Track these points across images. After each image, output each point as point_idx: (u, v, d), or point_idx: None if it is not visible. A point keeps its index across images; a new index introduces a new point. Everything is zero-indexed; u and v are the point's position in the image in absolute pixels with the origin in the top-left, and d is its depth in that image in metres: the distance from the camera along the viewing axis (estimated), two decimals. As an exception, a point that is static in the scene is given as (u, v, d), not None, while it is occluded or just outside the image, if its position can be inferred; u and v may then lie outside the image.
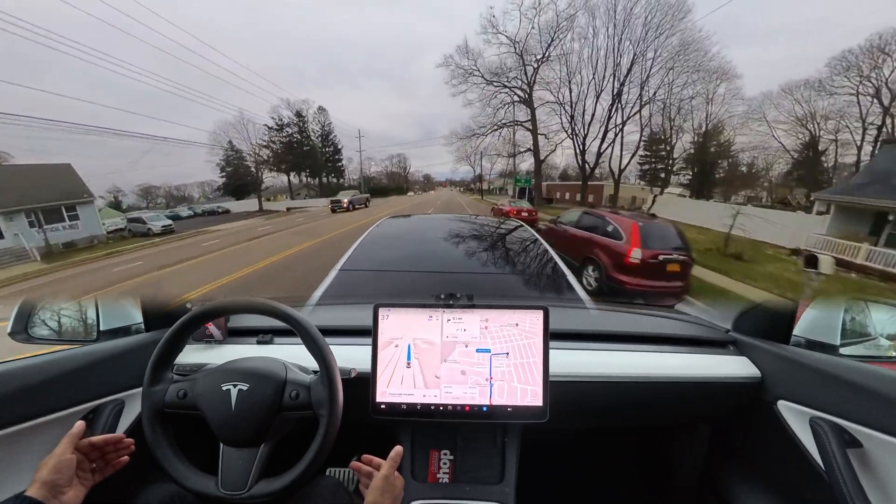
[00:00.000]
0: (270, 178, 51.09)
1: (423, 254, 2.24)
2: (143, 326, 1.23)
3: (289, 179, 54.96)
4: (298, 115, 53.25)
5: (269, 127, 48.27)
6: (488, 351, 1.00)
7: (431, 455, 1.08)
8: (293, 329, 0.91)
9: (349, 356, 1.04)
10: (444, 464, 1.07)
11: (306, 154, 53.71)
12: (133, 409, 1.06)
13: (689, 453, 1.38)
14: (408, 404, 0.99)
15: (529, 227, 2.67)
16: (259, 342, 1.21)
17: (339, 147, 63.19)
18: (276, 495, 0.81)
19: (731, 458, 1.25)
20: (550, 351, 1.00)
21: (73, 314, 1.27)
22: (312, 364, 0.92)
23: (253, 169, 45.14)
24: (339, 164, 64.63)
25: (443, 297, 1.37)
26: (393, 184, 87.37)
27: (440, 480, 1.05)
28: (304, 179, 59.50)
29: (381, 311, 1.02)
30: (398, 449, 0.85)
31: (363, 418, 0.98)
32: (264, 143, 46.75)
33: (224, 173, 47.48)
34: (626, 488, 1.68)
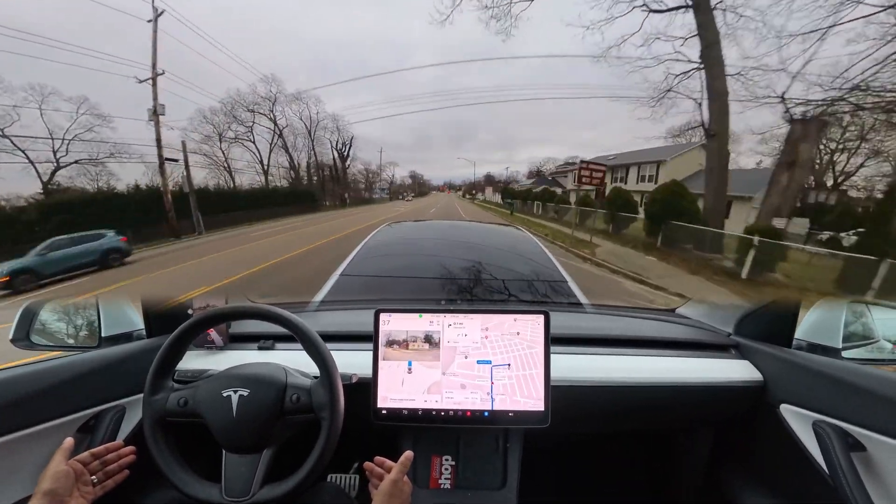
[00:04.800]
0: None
1: (424, 259, 2.24)
2: (144, 332, 1.24)
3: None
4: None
5: None
6: (489, 362, 1.00)
7: (433, 461, 1.08)
8: (294, 335, 0.91)
9: (350, 362, 1.04)
10: (446, 469, 1.07)
11: None
12: (134, 416, 1.06)
13: (692, 457, 1.38)
14: (409, 410, 0.99)
15: (528, 232, 2.68)
16: (260, 348, 1.21)
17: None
18: (279, 500, 0.81)
19: (734, 462, 1.25)
20: (552, 355, 0.99)
21: (74, 320, 1.27)
22: (314, 369, 0.92)
23: None
24: None
25: (443, 301, 1.37)
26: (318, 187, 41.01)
27: (442, 486, 1.05)
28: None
29: (383, 316, 1.02)
30: (408, 454, 0.85)
31: (365, 424, 0.97)
32: None
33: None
34: (629, 493, 1.67)
